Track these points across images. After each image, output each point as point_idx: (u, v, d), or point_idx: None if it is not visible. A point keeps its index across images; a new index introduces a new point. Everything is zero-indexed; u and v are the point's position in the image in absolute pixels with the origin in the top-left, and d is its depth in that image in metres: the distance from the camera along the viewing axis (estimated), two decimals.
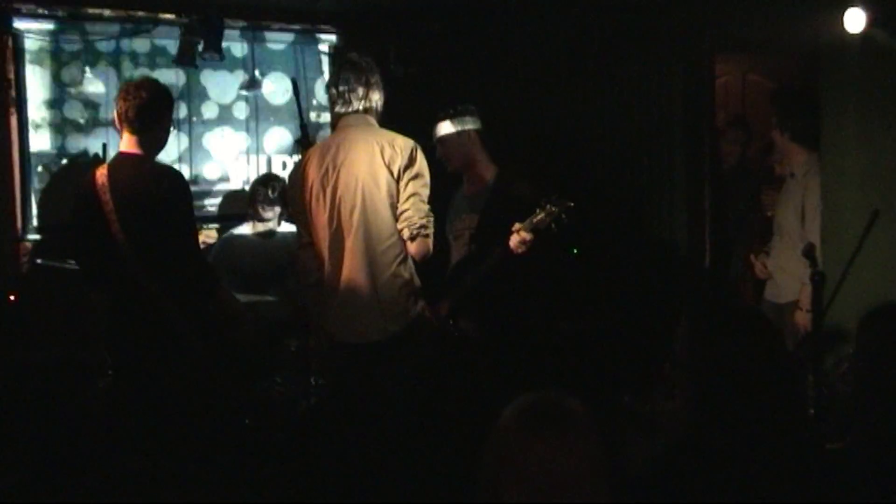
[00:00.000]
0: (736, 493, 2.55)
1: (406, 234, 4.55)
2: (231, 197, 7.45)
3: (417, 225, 4.51)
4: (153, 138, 4.73)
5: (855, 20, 5.23)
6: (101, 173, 4.68)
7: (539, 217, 4.95)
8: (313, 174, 4.68)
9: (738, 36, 6.80)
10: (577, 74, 7.27)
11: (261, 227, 6.61)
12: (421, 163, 4.59)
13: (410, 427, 4.74)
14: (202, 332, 4.69)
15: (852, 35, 5.30)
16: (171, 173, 4.80)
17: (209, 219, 7.33)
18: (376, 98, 4.73)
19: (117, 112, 4.71)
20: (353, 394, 4.81)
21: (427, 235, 4.55)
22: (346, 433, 4.78)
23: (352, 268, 4.61)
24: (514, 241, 5.02)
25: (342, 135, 4.72)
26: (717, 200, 7.17)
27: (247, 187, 7.40)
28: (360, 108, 4.68)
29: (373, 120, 4.72)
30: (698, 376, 2.68)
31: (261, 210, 6.55)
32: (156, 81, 4.94)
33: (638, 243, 7.18)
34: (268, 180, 6.69)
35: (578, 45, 7.21)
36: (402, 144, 4.58)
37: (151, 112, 4.68)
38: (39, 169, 6.82)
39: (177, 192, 4.68)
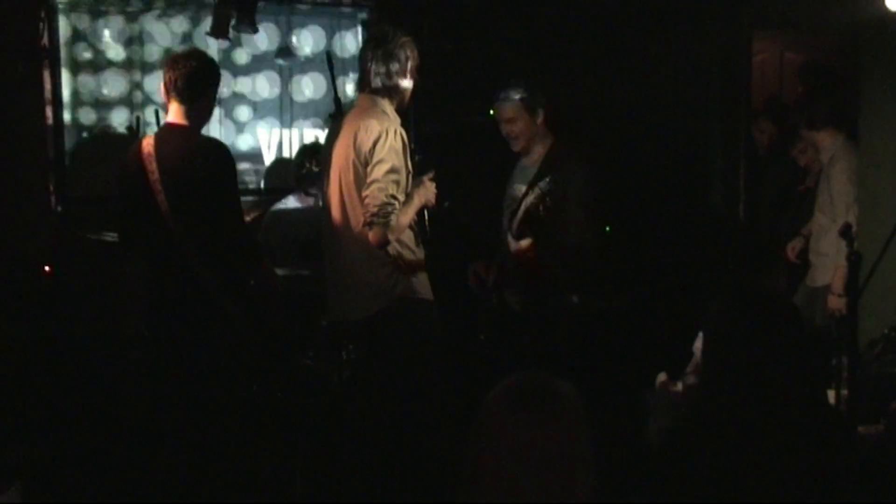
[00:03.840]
0: (744, 469, 2.58)
1: (361, 220, 4.53)
2: (273, 171, 7.46)
3: (371, 213, 4.44)
4: (200, 109, 4.74)
5: None
6: (148, 143, 4.71)
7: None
8: (325, 153, 4.87)
9: (776, 13, 6.75)
10: (613, 51, 7.23)
11: (310, 199, 6.49)
12: (386, 149, 4.49)
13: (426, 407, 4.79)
14: (242, 306, 4.73)
15: (893, 13, 5.23)
16: (217, 146, 4.82)
17: (250, 191, 7.31)
18: (396, 70, 4.66)
19: (164, 82, 4.71)
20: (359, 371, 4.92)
21: (385, 223, 4.43)
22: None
23: (336, 247, 4.75)
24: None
25: (348, 116, 4.77)
26: (754, 179, 7.11)
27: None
28: (379, 84, 4.66)
29: (380, 100, 4.68)
30: (721, 356, 2.71)
31: (307, 182, 6.45)
32: (204, 52, 4.97)
33: (672, 221, 7.15)
34: (314, 151, 6.41)
35: (615, 22, 7.17)
36: (372, 129, 4.53)
37: (200, 82, 4.69)
38: (72, 141, 6.82)
39: (223, 165, 4.70)
